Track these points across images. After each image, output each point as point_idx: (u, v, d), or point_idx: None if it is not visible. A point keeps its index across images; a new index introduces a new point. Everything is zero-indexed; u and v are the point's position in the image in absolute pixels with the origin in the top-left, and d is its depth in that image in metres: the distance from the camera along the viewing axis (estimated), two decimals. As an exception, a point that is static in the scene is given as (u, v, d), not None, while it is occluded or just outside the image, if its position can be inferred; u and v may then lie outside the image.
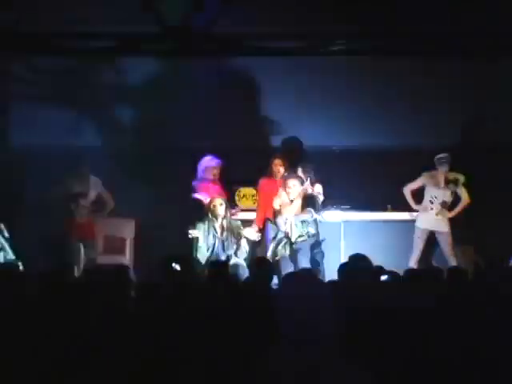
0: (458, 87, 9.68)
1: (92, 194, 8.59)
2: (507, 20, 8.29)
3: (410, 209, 9.02)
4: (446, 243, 8.78)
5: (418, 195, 8.98)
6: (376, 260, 6.06)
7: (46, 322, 4.06)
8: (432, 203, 8.82)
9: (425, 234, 8.83)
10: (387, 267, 5.99)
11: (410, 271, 5.47)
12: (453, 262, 8.57)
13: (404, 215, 9.24)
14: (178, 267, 5.53)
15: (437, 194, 8.81)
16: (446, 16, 8.58)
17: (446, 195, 8.79)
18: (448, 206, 8.82)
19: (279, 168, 8.47)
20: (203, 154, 8.76)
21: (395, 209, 9.32)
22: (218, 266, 5.88)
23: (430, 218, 8.80)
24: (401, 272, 5.70)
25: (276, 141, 9.68)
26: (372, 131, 9.84)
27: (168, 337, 3.93)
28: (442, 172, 8.81)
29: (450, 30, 8.52)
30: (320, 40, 8.33)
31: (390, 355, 3.85)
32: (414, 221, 9.10)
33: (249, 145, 9.58)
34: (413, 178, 9.03)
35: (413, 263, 8.62)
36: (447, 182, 8.78)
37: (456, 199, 8.89)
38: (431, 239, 8.85)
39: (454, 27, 8.50)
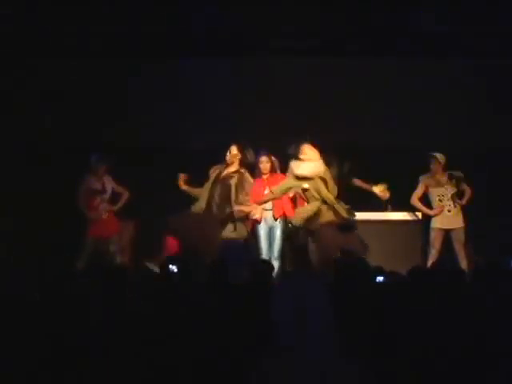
0: (459, 87, 9.68)
1: (109, 191, 8.73)
2: (507, 20, 8.29)
3: (415, 211, 9.03)
4: (458, 240, 8.73)
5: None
6: (376, 260, 6.07)
7: (45, 322, 4.06)
8: (441, 202, 8.81)
9: (440, 233, 8.80)
10: (387, 267, 5.99)
11: (411, 271, 5.46)
12: (462, 260, 8.57)
13: (404, 215, 9.23)
14: (175, 269, 5.52)
15: (443, 193, 8.80)
16: (447, 16, 8.60)
17: (452, 190, 8.78)
18: (457, 198, 8.81)
19: (266, 165, 8.42)
20: (203, 154, 8.77)
21: (395, 209, 9.32)
22: (219, 266, 5.86)
23: (444, 216, 8.79)
24: (401, 272, 5.69)
25: (275, 140, 9.68)
26: (372, 131, 9.84)
27: (167, 337, 3.93)
28: (440, 170, 8.79)
29: (450, 30, 8.53)
30: (320, 40, 8.34)
31: (390, 355, 3.85)
32: (413, 221, 9.11)
33: (249, 145, 9.57)
34: (413, 178, 9.03)
35: (430, 264, 8.58)
36: (450, 178, 8.77)
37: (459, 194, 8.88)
38: (447, 239, 8.82)
39: (454, 27, 8.51)
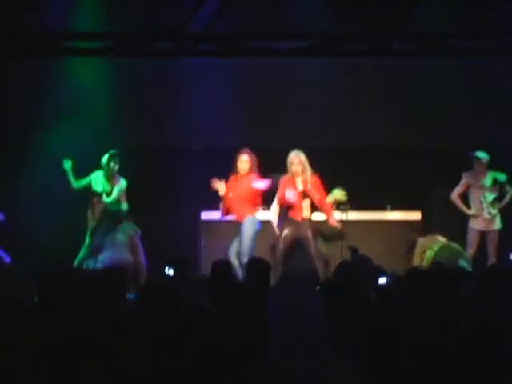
0: (458, 87, 9.67)
1: (114, 193, 8.64)
2: (507, 20, 8.28)
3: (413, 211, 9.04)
4: (492, 241, 8.76)
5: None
6: (376, 260, 6.06)
7: (44, 322, 4.05)
8: (482, 203, 8.79)
9: (479, 234, 8.82)
10: (387, 267, 5.98)
11: (411, 271, 5.45)
12: (493, 260, 8.58)
13: (404, 215, 9.23)
14: (171, 272, 5.50)
15: (486, 194, 8.79)
16: (447, 16, 8.59)
17: (494, 194, 8.78)
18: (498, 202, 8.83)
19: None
20: (202, 154, 8.76)
21: (395, 209, 9.31)
22: (220, 267, 5.85)
23: (483, 218, 8.80)
24: (401, 272, 5.69)
25: (276, 141, 9.68)
26: (372, 131, 9.84)
27: (167, 337, 3.92)
28: (484, 170, 8.77)
29: (450, 30, 8.51)
30: (320, 40, 8.32)
31: (389, 355, 3.84)
32: (413, 221, 9.11)
33: (249, 145, 9.56)
34: (413, 178, 9.03)
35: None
36: (495, 182, 8.77)
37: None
38: (483, 239, 8.84)
39: (453, 27, 8.50)
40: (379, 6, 8.32)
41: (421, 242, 8.64)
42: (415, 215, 9.18)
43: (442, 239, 8.63)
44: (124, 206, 8.73)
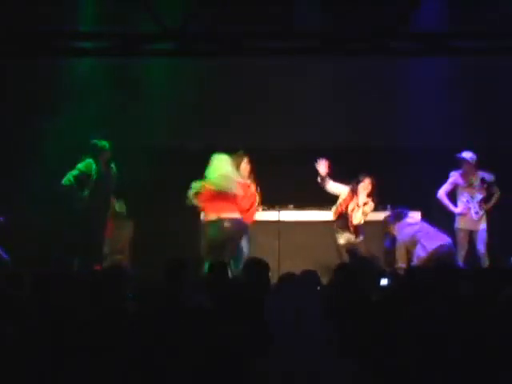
0: (458, 87, 9.67)
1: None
2: (507, 20, 8.29)
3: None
4: (482, 241, 8.77)
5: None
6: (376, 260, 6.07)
7: (43, 322, 4.05)
8: (469, 203, 8.81)
9: (467, 234, 8.83)
10: (387, 267, 5.98)
11: (410, 270, 5.46)
12: (485, 260, 8.60)
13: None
14: None
15: (472, 194, 8.80)
16: (447, 16, 8.60)
17: (481, 195, 8.79)
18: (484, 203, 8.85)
19: None
20: (203, 154, 8.76)
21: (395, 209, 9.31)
22: (218, 267, 5.85)
23: (470, 217, 8.81)
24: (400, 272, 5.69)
25: (276, 141, 9.69)
26: (372, 131, 9.84)
27: (167, 337, 3.92)
28: (473, 170, 8.78)
29: (450, 30, 8.52)
30: (319, 40, 8.32)
31: (389, 355, 3.84)
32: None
33: (248, 145, 9.57)
34: (413, 178, 9.02)
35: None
36: (483, 182, 8.78)
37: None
38: (470, 238, 8.86)
39: (453, 27, 8.51)
40: (379, 6, 8.33)
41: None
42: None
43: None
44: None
